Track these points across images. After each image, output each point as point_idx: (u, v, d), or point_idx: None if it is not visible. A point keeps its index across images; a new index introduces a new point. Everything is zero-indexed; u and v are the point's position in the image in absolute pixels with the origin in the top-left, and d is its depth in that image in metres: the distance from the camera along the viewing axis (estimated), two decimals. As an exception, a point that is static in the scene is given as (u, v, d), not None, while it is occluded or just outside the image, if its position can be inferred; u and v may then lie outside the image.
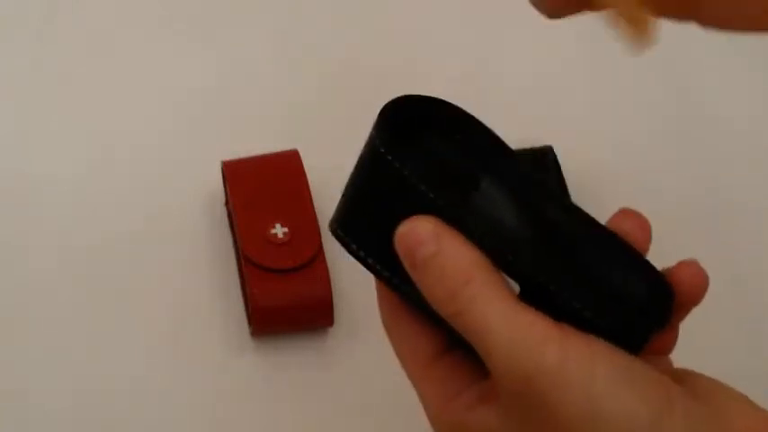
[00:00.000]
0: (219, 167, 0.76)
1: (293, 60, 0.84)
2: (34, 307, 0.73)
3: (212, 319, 0.73)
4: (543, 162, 0.75)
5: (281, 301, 0.71)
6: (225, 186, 0.76)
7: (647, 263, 0.48)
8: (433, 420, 0.48)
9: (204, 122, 0.81)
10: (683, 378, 0.46)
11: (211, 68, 0.84)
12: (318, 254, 0.72)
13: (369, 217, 0.47)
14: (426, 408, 0.48)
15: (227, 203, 0.76)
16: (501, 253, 0.45)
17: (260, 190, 0.74)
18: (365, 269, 0.48)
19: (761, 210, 0.79)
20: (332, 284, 0.71)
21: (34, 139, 0.80)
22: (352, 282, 0.74)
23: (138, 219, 0.77)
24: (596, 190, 0.78)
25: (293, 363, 0.72)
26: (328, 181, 0.78)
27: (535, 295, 0.45)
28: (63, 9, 0.85)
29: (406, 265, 0.46)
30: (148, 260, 0.75)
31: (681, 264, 0.48)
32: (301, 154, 0.75)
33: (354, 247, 0.48)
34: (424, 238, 0.45)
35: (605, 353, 0.44)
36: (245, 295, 0.73)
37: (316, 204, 0.73)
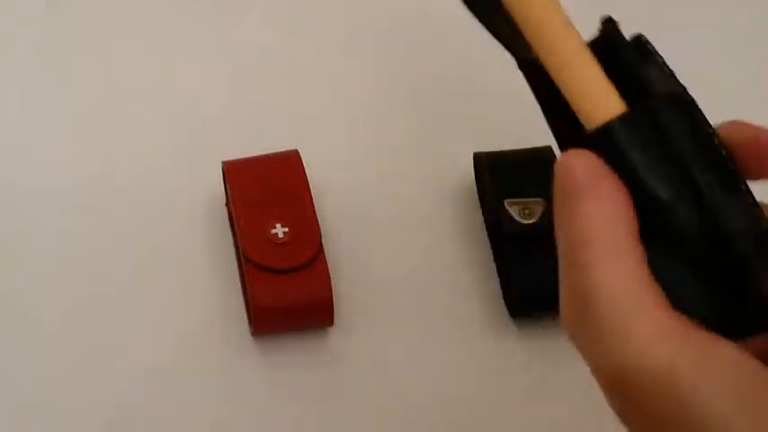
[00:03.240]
0: (220, 167, 0.76)
1: (293, 60, 0.84)
2: (33, 307, 0.73)
3: (212, 320, 0.73)
4: (543, 162, 0.75)
5: (282, 301, 0.71)
6: (225, 186, 0.76)
7: None
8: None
9: (205, 123, 0.81)
10: None
11: (212, 69, 0.84)
12: (318, 254, 0.72)
13: None
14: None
15: (227, 203, 0.76)
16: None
17: (260, 190, 0.74)
18: None
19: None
20: (332, 284, 0.71)
21: (34, 140, 0.80)
22: (352, 282, 0.75)
23: (138, 219, 0.77)
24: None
25: (293, 363, 0.72)
26: (328, 181, 0.78)
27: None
28: (63, 10, 0.85)
29: (556, 194, 0.43)
30: (149, 260, 0.75)
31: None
32: (301, 154, 0.75)
33: None
34: (578, 176, 0.42)
35: (726, 366, 0.40)
36: (245, 295, 0.74)
37: (316, 204, 0.73)
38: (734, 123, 0.45)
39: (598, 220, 0.41)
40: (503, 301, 0.75)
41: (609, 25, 0.45)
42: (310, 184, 0.74)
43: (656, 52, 0.45)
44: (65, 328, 0.73)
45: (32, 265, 0.75)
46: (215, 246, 0.76)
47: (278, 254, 0.72)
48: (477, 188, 0.78)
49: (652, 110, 0.43)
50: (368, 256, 0.76)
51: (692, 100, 0.44)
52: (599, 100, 0.43)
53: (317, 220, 0.73)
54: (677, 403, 0.40)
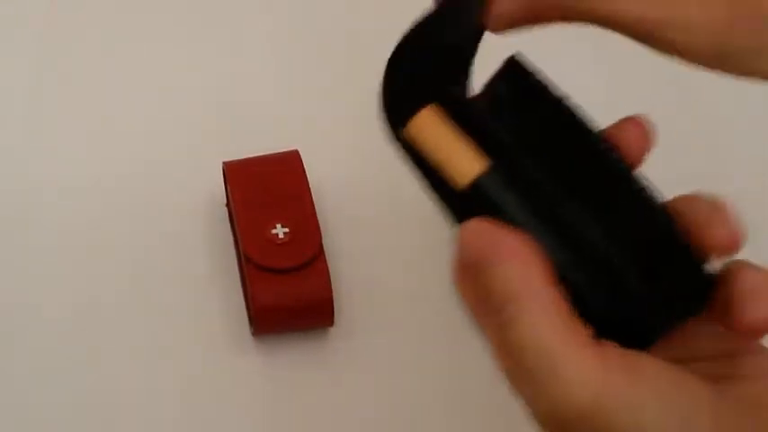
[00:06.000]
0: (220, 168, 0.76)
1: (294, 60, 0.84)
2: (34, 307, 0.73)
3: (213, 319, 0.74)
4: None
5: (282, 301, 0.71)
6: (226, 186, 0.76)
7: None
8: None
9: (205, 123, 0.81)
10: None
11: (212, 69, 0.84)
12: (319, 254, 0.72)
13: None
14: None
15: (227, 204, 0.76)
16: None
17: (260, 190, 0.74)
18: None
19: (760, 211, 0.79)
20: (332, 284, 0.71)
21: (34, 140, 0.80)
22: (352, 282, 0.75)
23: (138, 219, 0.77)
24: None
25: (293, 363, 0.72)
26: (328, 181, 0.78)
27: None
28: (63, 10, 0.85)
29: (461, 266, 0.45)
30: (149, 260, 0.75)
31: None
32: (301, 154, 0.75)
33: None
34: (482, 246, 0.44)
35: (652, 384, 0.43)
36: (245, 295, 0.74)
37: (316, 204, 0.73)
38: (687, 197, 0.47)
39: (513, 279, 0.43)
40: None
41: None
42: (310, 184, 0.74)
43: (529, 73, 0.48)
44: (64, 327, 0.73)
45: (31, 265, 0.75)
46: (215, 246, 0.76)
47: (278, 254, 0.72)
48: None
49: (508, 160, 0.46)
50: (368, 256, 0.76)
51: (566, 123, 0.47)
52: (462, 163, 0.46)
53: (317, 220, 0.73)
54: (602, 428, 0.42)
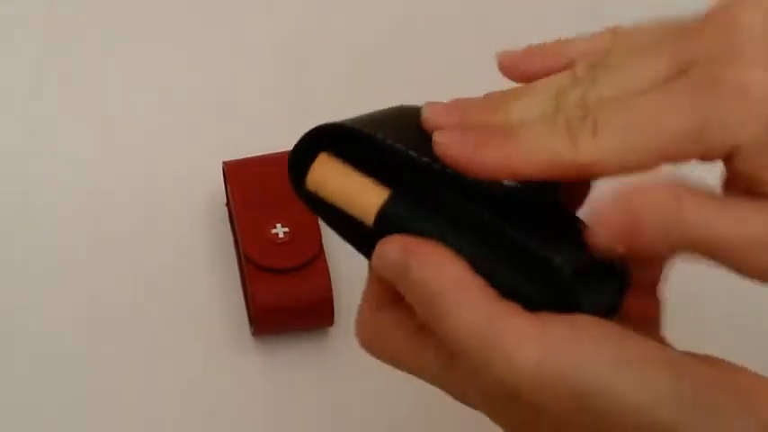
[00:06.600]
0: (220, 167, 0.76)
1: (294, 60, 0.84)
2: (33, 306, 0.73)
3: (212, 319, 0.73)
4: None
5: (282, 301, 0.71)
6: (225, 186, 0.76)
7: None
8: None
9: (205, 122, 0.81)
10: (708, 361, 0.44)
11: (212, 68, 0.84)
12: (319, 254, 0.72)
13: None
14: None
15: (227, 204, 0.76)
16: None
17: (260, 190, 0.74)
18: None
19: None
20: (332, 284, 0.71)
21: (34, 140, 0.80)
22: (352, 282, 0.74)
23: (138, 219, 0.77)
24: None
25: (293, 362, 0.72)
26: (328, 181, 0.78)
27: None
28: (63, 10, 0.85)
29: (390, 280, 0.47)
30: (149, 260, 0.75)
31: None
32: (301, 154, 0.75)
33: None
34: (395, 256, 0.46)
35: (595, 336, 0.42)
36: (245, 295, 0.74)
37: (316, 204, 0.73)
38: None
39: (430, 279, 0.44)
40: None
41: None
42: (310, 184, 0.74)
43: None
44: (64, 327, 0.73)
45: (31, 266, 0.75)
46: (215, 246, 0.76)
47: (278, 254, 0.71)
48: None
49: (407, 185, 0.47)
50: (368, 256, 0.76)
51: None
52: (363, 199, 0.48)
53: (317, 220, 0.73)
54: (557, 392, 0.42)
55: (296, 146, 0.51)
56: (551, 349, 0.42)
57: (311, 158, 0.50)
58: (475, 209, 0.46)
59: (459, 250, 0.45)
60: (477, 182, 0.46)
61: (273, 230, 0.72)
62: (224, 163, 0.76)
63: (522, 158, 0.44)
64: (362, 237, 0.48)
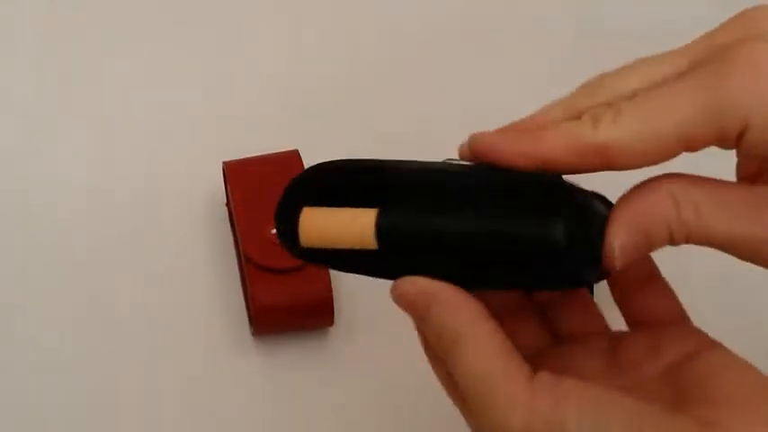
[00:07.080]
0: (220, 167, 0.76)
1: (294, 60, 0.84)
2: (33, 306, 0.73)
3: (212, 319, 0.74)
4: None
5: (282, 301, 0.71)
6: (226, 186, 0.76)
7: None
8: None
9: (205, 122, 0.81)
10: (704, 382, 0.46)
11: (212, 68, 0.84)
12: (319, 254, 0.72)
13: None
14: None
15: (227, 204, 0.76)
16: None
17: (260, 190, 0.74)
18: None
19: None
20: (332, 284, 0.71)
21: (34, 140, 0.80)
22: (353, 282, 0.74)
23: (138, 219, 0.77)
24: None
25: (293, 362, 0.72)
26: (328, 181, 0.78)
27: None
28: (63, 10, 0.85)
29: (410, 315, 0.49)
30: (149, 260, 0.75)
31: None
32: (301, 154, 0.75)
33: None
34: (416, 300, 0.48)
35: (579, 403, 0.45)
36: (245, 295, 0.74)
37: (316, 204, 0.73)
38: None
39: (446, 324, 0.47)
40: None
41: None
42: (310, 184, 0.74)
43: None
44: (64, 327, 0.73)
45: (31, 265, 0.75)
46: (215, 246, 0.76)
47: (278, 254, 0.71)
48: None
49: (389, 198, 0.48)
50: (368, 256, 0.76)
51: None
52: (358, 225, 0.48)
53: (317, 220, 0.73)
54: None
55: (277, 213, 0.52)
56: (537, 417, 0.45)
57: (296, 223, 0.51)
58: (456, 191, 0.47)
59: (458, 234, 0.47)
60: (447, 168, 0.48)
61: (273, 230, 0.72)
62: (224, 163, 0.76)
63: (547, 144, 0.46)
64: (373, 263, 0.49)
